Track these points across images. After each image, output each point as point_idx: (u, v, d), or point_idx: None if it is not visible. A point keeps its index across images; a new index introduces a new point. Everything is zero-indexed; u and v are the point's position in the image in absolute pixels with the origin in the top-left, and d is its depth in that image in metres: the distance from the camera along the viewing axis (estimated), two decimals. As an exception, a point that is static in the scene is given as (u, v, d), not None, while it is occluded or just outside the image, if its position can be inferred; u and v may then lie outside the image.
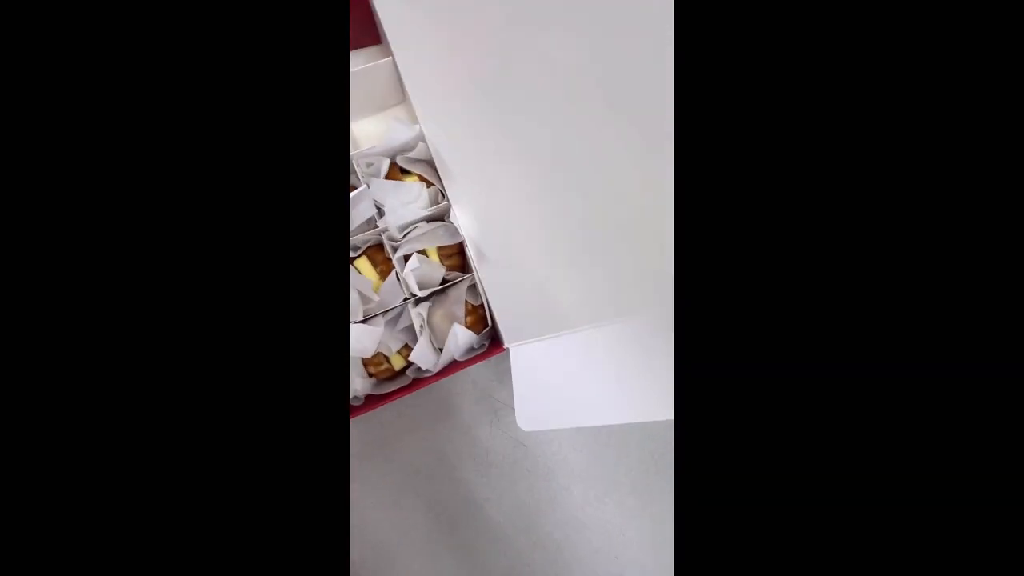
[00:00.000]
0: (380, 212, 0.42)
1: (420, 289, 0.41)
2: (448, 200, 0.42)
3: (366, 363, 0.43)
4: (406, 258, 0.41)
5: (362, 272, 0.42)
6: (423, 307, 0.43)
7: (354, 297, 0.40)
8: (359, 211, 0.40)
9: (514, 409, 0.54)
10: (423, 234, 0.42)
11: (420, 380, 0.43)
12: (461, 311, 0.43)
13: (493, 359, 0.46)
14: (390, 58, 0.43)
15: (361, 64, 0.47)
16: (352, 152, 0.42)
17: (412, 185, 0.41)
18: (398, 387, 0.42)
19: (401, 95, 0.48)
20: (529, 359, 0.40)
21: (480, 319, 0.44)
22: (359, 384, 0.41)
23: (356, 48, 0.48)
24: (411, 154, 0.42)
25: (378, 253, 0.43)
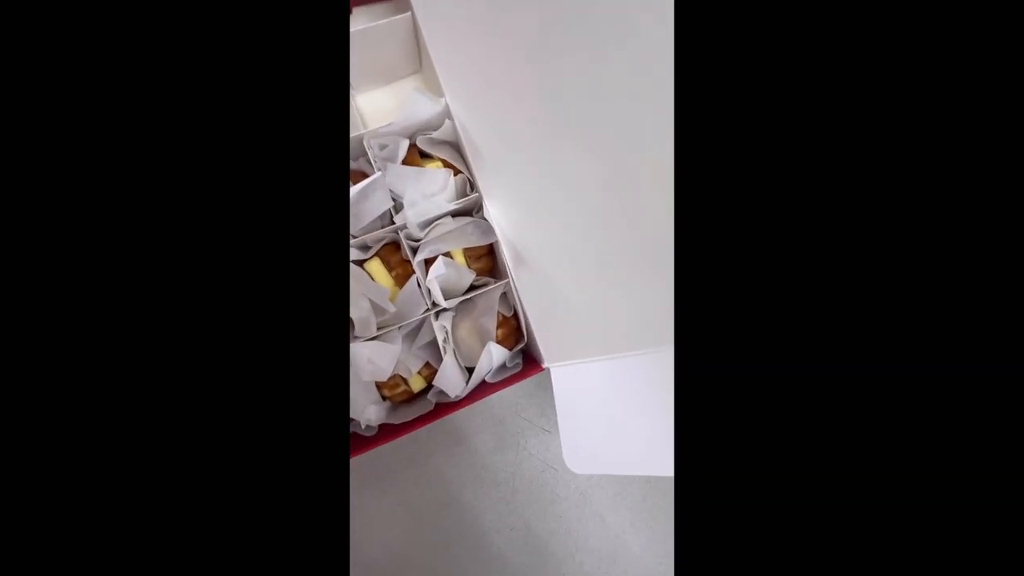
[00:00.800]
0: (397, 205, 0.34)
1: (445, 298, 0.34)
2: (479, 191, 0.35)
3: (380, 386, 0.36)
4: (427, 261, 0.34)
5: (375, 278, 0.35)
6: (446, 318, 0.36)
7: (366, 308, 0.33)
8: (372, 203, 0.33)
9: (543, 429, 0.48)
10: (448, 232, 0.35)
11: (445, 406, 0.36)
12: (492, 324, 0.36)
13: (521, 374, 0.40)
14: (407, 14, 0.35)
15: (366, 22, 0.39)
16: (362, 130, 0.34)
17: (436, 172, 0.33)
18: (418, 414, 0.36)
19: (418, 62, 0.41)
20: (575, 384, 0.34)
21: (512, 332, 0.37)
22: (373, 412, 0.35)
23: (359, 4, 0.40)
24: (434, 134, 0.35)
25: (393, 254, 0.36)
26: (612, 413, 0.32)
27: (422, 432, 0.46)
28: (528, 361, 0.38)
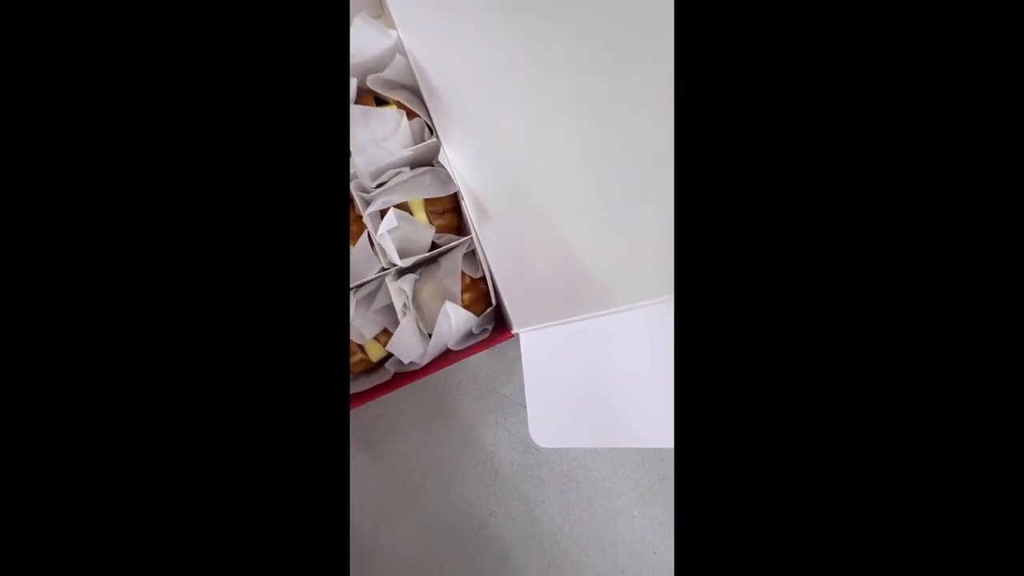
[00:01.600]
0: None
1: (401, 257, 0.31)
2: (437, 137, 0.31)
3: (333, 353, 0.33)
4: (382, 214, 0.31)
5: (324, 234, 0.32)
6: (407, 281, 0.33)
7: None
8: (316, 150, 0.30)
9: (523, 406, 0.45)
10: (404, 182, 0.31)
11: (404, 375, 0.33)
12: (457, 286, 0.33)
13: (499, 346, 0.36)
14: (357, -58, 0.32)
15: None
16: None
17: (386, 112, 0.30)
18: (375, 384, 0.33)
19: (379, 6, 0.37)
20: (545, 350, 0.30)
21: (481, 296, 0.34)
22: (322, 381, 0.32)
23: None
24: (386, 72, 0.31)
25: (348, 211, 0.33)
26: (580, 380, 0.29)
27: (394, 407, 0.43)
28: (500, 327, 0.35)
